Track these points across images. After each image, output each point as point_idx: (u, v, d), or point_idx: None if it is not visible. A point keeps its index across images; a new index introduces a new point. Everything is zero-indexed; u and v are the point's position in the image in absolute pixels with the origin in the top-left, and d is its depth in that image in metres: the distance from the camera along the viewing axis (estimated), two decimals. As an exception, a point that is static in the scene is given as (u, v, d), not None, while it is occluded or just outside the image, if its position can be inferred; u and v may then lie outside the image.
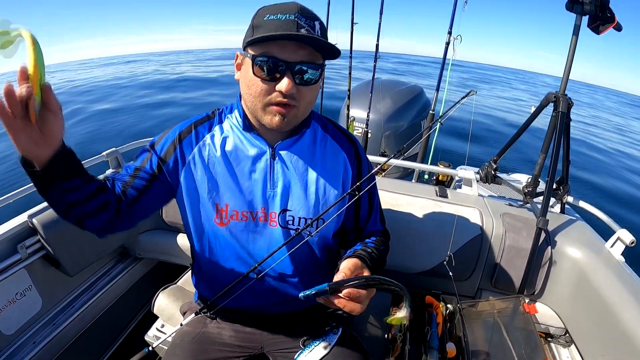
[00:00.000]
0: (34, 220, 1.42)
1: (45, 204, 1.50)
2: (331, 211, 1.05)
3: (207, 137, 1.04)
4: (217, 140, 1.04)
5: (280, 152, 1.04)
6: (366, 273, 0.89)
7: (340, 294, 0.79)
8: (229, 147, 1.03)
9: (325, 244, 1.15)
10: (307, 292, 0.78)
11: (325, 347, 1.11)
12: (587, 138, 11.99)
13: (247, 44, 0.89)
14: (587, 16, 1.40)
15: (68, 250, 1.51)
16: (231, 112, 1.07)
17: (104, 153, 1.76)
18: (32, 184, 1.30)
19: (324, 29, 0.91)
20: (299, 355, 1.10)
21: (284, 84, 0.87)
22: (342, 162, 1.11)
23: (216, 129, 1.06)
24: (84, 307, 1.65)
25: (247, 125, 1.01)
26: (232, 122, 1.05)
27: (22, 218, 1.44)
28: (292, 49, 0.86)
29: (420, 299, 1.51)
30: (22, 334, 1.47)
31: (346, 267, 0.87)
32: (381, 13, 2.76)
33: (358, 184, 1.03)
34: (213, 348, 1.14)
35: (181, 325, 1.17)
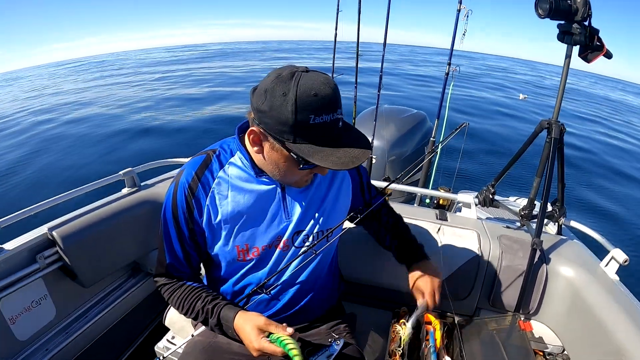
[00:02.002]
0: (54, 232, 1.50)
1: (65, 217, 1.59)
2: (338, 222, 1.17)
3: (214, 186, 1.07)
4: (224, 186, 1.07)
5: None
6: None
7: None
8: (240, 190, 1.07)
9: (332, 248, 1.26)
10: None
11: (328, 357, 1.16)
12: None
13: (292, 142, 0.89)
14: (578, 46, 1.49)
15: (85, 263, 1.59)
16: (232, 155, 1.10)
17: (120, 172, 1.85)
18: (52, 199, 1.43)
19: None
20: None
21: (324, 170, 1.01)
22: (346, 176, 1.23)
23: (220, 174, 1.08)
24: (96, 318, 1.71)
25: (257, 171, 1.06)
26: (237, 165, 1.08)
27: (42, 230, 1.52)
28: None
29: (421, 317, 1.56)
30: (35, 340, 1.53)
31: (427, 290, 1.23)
32: (384, 46, 2.90)
33: (354, 213, 1.21)
34: (223, 356, 1.20)
35: (192, 335, 1.25)
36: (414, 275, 1.28)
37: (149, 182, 2.01)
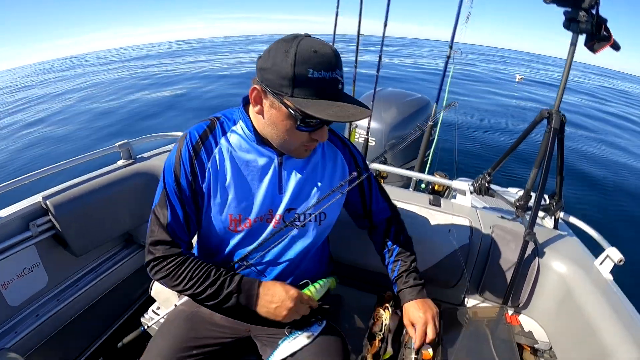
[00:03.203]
0: (48, 201, 1.51)
1: (59, 187, 1.61)
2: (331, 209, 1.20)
3: (216, 152, 1.09)
4: (226, 153, 1.09)
5: (287, 159, 1.12)
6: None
7: None
8: (239, 160, 1.10)
9: (323, 233, 1.26)
10: None
11: (308, 337, 1.17)
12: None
13: (291, 99, 0.91)
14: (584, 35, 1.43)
15: (76, 232, 1.61)
16: (234, 123, 1.12)
17: (116, 144, 1.86)
18: (47, 168, 1.46)
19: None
20: (282, 342, 1.17)
21: (323, 135, 1.01)
22: (340, 160, 1.23)
23: (222, 141, 1.10)
24: (88, 287, 1.74)
25: (260, 140, 1.07)
26: (238, 134, 1.10)
27: (36, 198, 1.54)
28: None
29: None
30: (26, 306, 1.56)
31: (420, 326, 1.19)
32: (385, 25, 2.85)
33: (343, 183, 1.15)
34: (204, 327, 1.22)
35: (175, 305, 1.27)
36: (411, 308, 1.26)
37: (144, 154, 2.01)
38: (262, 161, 1.10)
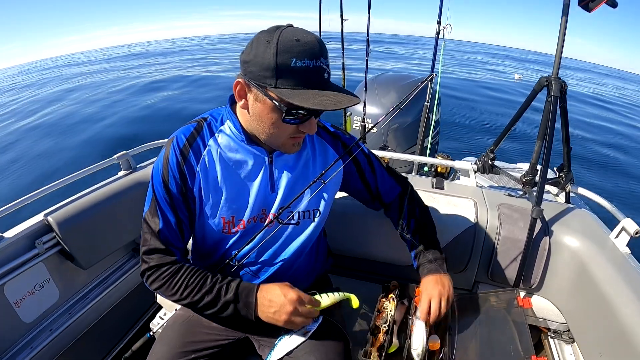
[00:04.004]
0: (49, 218, 1.54)
1: (61, 203, 1.63)
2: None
3: (205, 154, 1.07)
4: (215, 154, 1.08)
5: (277, 157, 1.10)
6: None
7: None
8: (229, 160, 1.08)
9: (318, 229, 1.23)
10: None
11: (304, 334, 1.15)
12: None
13: (274, 91, 0.88)
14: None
15: (81, 245, 1.63)
16: (222, 123, 1.10)
17: (115, 156, 1.88)
18: (49, 186, 1.56)
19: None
20: (279, 341, 1.16)
21: (311, 127, 0.98)
22: (332, 155, 1.20)
23: (211, 143, 1.08)
24: (99, 298, 1.77)
25: (248, 138, 1.05)
26: (226, 133, 1.08)
27: (39, 217, 1.57)
28: None
29: (412, 291, 1.50)
30: (40, 322, 1.59)
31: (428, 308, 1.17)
32: (369, 8, 2.79)
33: (324, 171, 1.13)
34: (201, 330, 1.22)
35: (176, 310, 1.28)
36: (423, 283, 1.25)
37: (143, 164, 2.03)
38: (252, 161, 1.09)
